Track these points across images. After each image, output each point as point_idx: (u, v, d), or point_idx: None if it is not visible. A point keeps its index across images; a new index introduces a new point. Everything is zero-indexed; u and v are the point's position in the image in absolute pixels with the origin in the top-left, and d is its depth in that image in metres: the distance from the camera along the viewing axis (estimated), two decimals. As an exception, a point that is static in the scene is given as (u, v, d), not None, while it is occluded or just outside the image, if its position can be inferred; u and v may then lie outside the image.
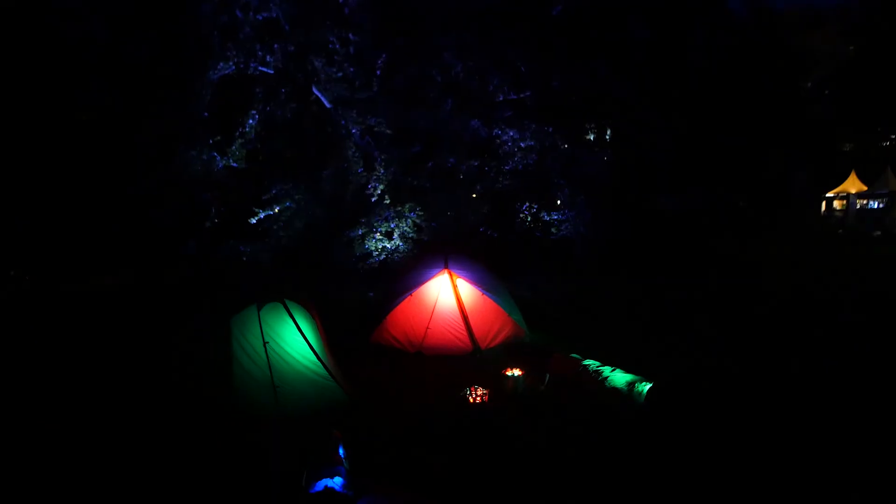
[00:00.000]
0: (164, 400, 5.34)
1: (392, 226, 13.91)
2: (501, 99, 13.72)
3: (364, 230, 13.88)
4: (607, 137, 17.75)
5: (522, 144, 13.65)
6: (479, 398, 5.14)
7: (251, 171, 14.83)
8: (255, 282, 9.00)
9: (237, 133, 13.98)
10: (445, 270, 8.04)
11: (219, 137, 14.08)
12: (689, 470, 4.17)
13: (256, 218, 14.14)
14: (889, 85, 36.38)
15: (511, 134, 14.02)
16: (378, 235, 13.79)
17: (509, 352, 7.40)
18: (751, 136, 24.88)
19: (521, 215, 13.88)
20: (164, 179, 13.73)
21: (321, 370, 5.56)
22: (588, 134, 17.49)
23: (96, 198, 14.82)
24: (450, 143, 13.86)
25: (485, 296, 7.93)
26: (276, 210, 14.20)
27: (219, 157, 14.12)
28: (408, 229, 13.94)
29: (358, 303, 10.82)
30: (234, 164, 14.29)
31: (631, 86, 15.55)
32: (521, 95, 14.14)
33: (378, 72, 14.27)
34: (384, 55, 14.09)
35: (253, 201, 14.21)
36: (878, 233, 24.50)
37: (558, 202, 14.93)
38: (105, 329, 9.06)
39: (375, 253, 13.79)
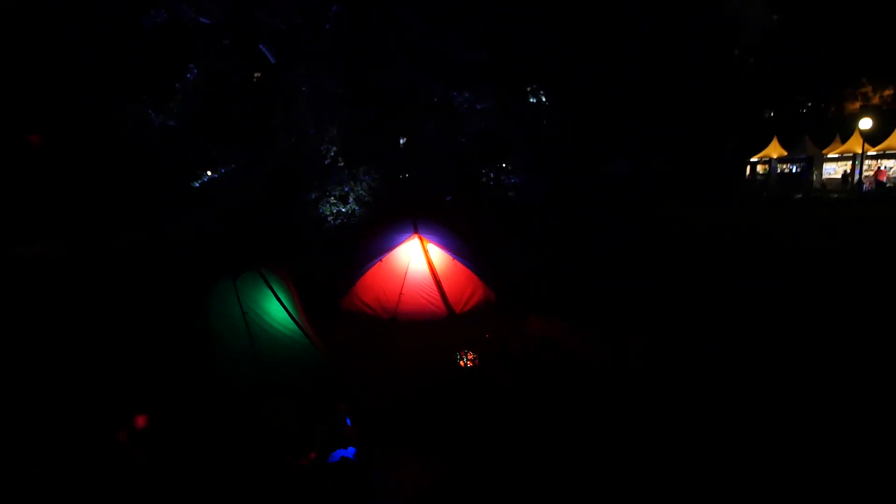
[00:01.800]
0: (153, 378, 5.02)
1: (346, 189, 13.50)
2: (459, 59, 13.40)
3: (317, 194, 13.39)
4: (560, 101, 17.90)
5: (479, 107, 13.49)
6: (469, 362, 5.16)
7: (194, 131, 13.84)
8: (207, 252, 8.51)
9: (175, 88, 12.96)
10: (416, 235, 7.93)
11: (155, 92, 13.01)
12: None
13: (200, 181, 13.32)
14: (808, 54, 38.54)
15: (467, 96, 13.80)
16: (332, 199, 13.35)
17: (484, 315, 7.45)
18: (687, 102, 25.83)
19: (483, 179, 13.84)
20: (97, 137, 12.59)
21: (303, 338, 5.39)
22: (542, 96, 17.53)
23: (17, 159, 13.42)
24: (407, 103, 13.47)
25: (455, 260, 7.91)
26: (222, 172, 13.42)
27: (154, 114, 13.07)
28: (363, 192, 13.58)
29: (319, 269, 10.50)
30: (172, 123, 13.29)
31: (577, 51, 15.71)
32: (478, 56, 13.87)
33: (328, 25, 13.53)
34: (335, 7, 13.35)
35: (198, 164, 13.34)
36: (799, 195, 26.36)
37: (510, 167, 14.96)
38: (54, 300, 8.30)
39: (330, 217, 13.37)
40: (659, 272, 9.82)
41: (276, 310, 5.42)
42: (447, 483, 3.50)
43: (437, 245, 7.90)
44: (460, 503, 3.35)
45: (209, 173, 13.48)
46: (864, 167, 29.91)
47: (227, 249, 10.62)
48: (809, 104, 43.75)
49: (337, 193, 13.41)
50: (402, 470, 3.68)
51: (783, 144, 35.50)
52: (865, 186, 28.13)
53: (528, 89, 17.98)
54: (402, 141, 15.70)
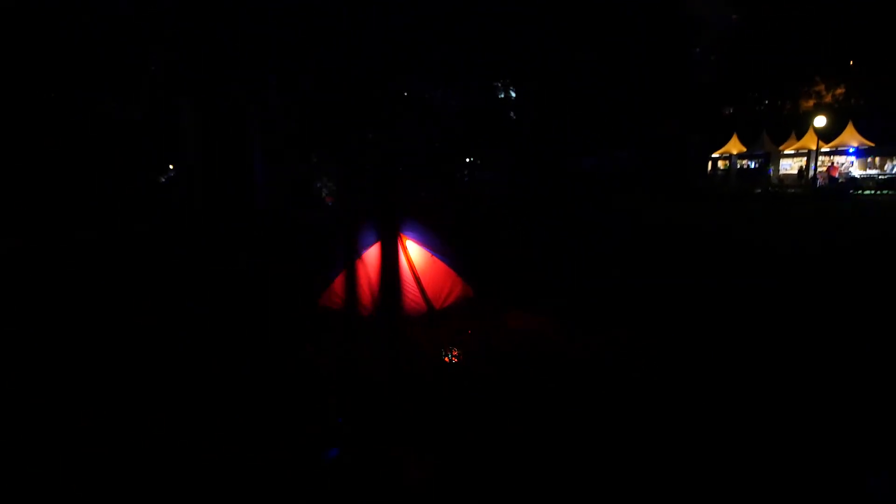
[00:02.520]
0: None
1: (318, 185, 13.41)
2: (431, 56, 13.43)
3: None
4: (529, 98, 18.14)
5: (453, 103, 13.57)
6: (454, 358, 5.23)
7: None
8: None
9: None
10: (394, 232, 7.96)
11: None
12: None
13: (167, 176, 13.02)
14: (767, 51, 39.85)
15: (439, 93, 13.87)
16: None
17: (464, 311, 7.53)
18: (651, 100, 26.46)
19: (458, 174, 13.98)
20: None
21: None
22: (510, 92, 17.74)
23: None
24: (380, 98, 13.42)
25: (434, 257, 7.96)
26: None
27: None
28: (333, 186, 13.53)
29: (294, 267, 10.42)
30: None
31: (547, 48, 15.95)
32: (450, 51, 13.92)
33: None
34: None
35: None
36: (759, 190, 27.33)
37: (479, 162, 15.15)
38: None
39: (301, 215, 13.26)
40: (632, 268, 10.10)
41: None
42: (443, 478, 3.56)
43: (415, 241, 7.95)
44: (456, 498, 3.40)
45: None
46: (818, 163, 31.19)
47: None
48: (766, 102, 45.32)
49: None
50: (396, 466, 3.72)
51: (743, 141, 36.69)
52: (819, 182, 29.35)
53: (498, 84, 18.15)
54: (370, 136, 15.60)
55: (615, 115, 21.31)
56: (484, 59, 15.46)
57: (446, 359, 5.23)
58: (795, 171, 34.08)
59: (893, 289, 8.40)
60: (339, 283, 7.78)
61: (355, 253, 7.95)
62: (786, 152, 35.10)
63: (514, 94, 18.57)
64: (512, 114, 15.78)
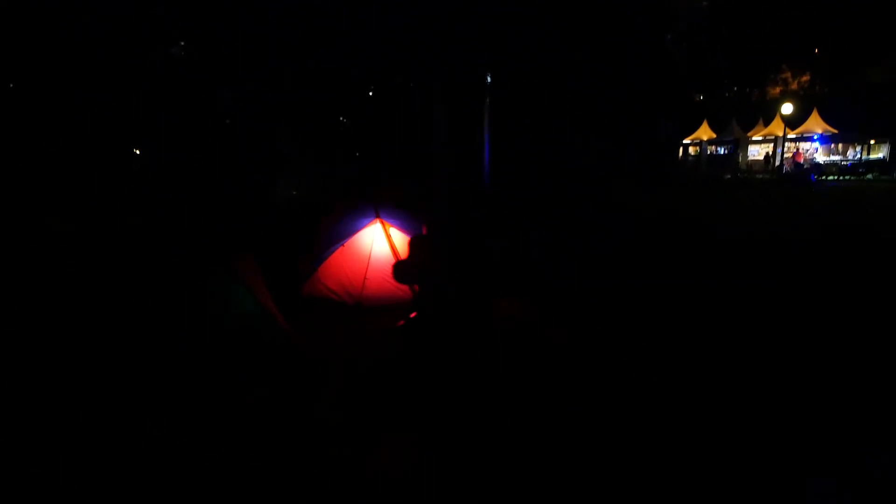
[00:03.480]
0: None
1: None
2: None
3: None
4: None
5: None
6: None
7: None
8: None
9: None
10: (377, 220, 7.95)
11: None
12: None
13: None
14: (735, 40, 40.58)
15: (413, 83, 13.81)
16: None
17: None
18: (625, 88, 26.72)
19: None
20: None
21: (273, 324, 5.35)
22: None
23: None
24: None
25: (418, 244, 7.99)
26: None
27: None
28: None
29: (277, 255, 10.30)
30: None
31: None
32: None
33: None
34: None
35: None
36: (728, 176, 27.97)
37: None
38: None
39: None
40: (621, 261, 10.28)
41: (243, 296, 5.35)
42: (434, 465, 3.62)
43: (399, 229, 7.96)
44: (448, 481, 3.46)
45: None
46: (784, 149, 32.03)
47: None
48: (735, 88, 46.23)
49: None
50: (389, 451, 3.78)
51: (713, 127, 37.41)
52: (785, 168, 30.18)
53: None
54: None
55: (592, 103, 21.54)
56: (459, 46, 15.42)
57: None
58: (762, 158, 34.97)
59: (860, 273, 8.81)
60: (323, 271, 7.75)
61: (341, 240, 7.95)
62: (754, 139, 35.96)
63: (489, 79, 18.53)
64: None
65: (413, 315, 5.28)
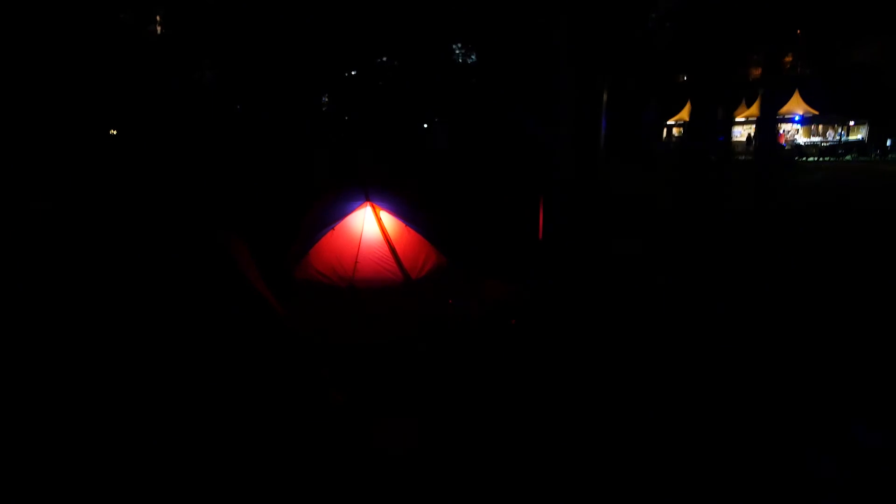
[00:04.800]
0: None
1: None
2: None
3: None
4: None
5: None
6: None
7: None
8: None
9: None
10: (367, 203, 7.94)
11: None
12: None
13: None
14: (720, 19, 40.48)
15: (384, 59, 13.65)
16: None
17: (440, 280, 7.63)
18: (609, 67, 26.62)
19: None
20: None
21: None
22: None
23: None
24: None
25: (408, 227, 8.01)
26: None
27: None
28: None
29: (267, 239, 10.21)
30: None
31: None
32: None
33: None
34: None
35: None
36: (713, 157, 28.18)
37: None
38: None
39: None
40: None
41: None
42: (433, 447, 3.69)
43: (390, 212, 7.97)
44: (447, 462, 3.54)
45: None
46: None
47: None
48: (718, 69, 46.09)
49: None
50: (388, 433, 3.84)
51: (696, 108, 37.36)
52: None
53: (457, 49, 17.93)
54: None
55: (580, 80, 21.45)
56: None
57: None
58: (745, 139, 35.26)
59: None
60: (314, 254, 7.73)
61: (332, 223, 7.92)
62: (737, 119, 36.19)
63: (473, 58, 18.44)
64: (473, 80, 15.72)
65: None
